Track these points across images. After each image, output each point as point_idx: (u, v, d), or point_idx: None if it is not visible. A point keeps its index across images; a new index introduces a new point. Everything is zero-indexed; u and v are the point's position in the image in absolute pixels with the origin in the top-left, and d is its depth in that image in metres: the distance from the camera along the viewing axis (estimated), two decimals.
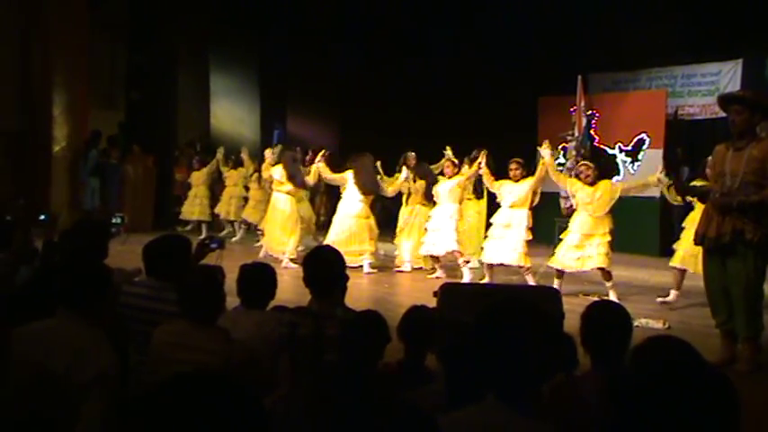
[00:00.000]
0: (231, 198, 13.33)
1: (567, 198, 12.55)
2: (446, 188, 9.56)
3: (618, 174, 12.71)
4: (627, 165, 12.66)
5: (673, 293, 8.09)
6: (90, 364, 2.67)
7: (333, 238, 9.79)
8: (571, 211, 8.76)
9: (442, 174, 9.97)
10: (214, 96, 16.55)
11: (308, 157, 12.74)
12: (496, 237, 8.80)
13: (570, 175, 9.28)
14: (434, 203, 9.81)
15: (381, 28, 14.85)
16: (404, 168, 10.32)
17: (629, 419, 1.65)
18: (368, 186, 9.97)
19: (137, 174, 13.87)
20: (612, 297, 7.98)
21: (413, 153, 10.53)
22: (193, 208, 13.61)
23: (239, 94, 16.98)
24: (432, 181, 10.02)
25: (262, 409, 1.39)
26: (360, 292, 7.96)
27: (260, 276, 3.88)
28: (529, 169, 9.01)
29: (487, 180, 9.05)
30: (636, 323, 6.56)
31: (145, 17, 14.62)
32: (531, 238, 8.73)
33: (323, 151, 10.52)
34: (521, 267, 8.72)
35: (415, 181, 10.19)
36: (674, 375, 1.67)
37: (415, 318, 3.43)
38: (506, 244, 8.66)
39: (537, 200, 8.84)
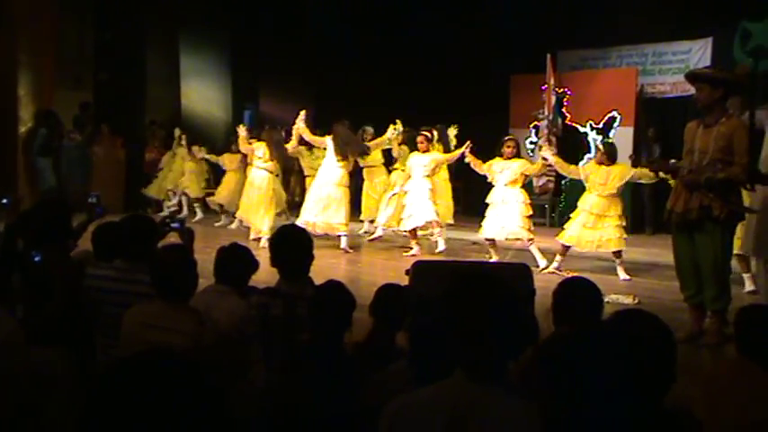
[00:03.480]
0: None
1: (539, 177, 12.65)
2: (421, 163, 9.57)
3: (588, 152, 12.78)
4: (598, 143, 12.72)
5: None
6: None
7: (310, 204, 9.85)
8: (544, 189, 8.93)
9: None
10: (184, 76, 16.34)
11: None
12: (495, 214, 8.88)
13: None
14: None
15: (354, 5, 14.74)
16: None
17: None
18: (347, 150, 10.01)
19: (105, 154, 13.73)
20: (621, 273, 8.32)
21: (370, 128, 10.81)
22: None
23: (210, 73, 16.80)
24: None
25: (218, 393, 1.38)
26: (332, 271, 7.95)
27: (237, 257, 3.86)
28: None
29: (476, 166, 9.11)
30: (606, 299, 6.64)
31: None
32: (531, 213, 8.95)
33: (304, 111, 10.46)
34: (525, 240, 8.79)
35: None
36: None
37: (386, 296, 3.43)
38: (507, 219, 8.76)
39: (525, 181, 9.13)
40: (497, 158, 8.97)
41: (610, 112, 12.64)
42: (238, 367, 3.35)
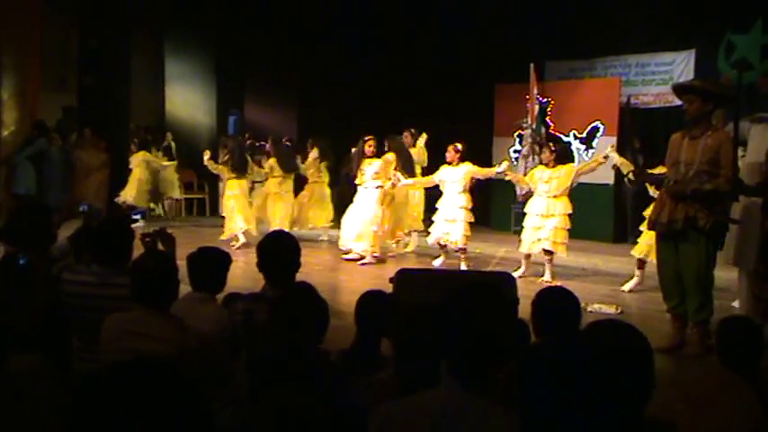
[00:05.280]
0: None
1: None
2: (454, 177, 9.08)
3: (572, 161, 12.82)
4: (581, 152, 12.79)
5: (634, 281, 8.04)
6: None
7: (348, 225, 9.66)
8: (527, 196, 8.85)
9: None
10: (169, 81, 16.29)
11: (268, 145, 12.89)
12: (534, 227, 8.42)
13: (527, 163, 9.40)
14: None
15: (339, 13, 14.75)
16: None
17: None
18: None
19: (89, 159, 13.63)
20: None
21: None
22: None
23: (195, 78, 16.74)
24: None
25: (204, 399, 1.37)
26: (314, 279, 7.91)
27: (211, 260, 3.83)
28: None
29: (519, 182, 8.97)
30: (589, 308, 6.67)
31: None
32: (570, 227, 8.40)
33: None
34: (549, 253, 8.36)
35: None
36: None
37: (369, 303, 3.41)
38: (546, 232, 8.32)
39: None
40: (540, 166, 8.63)
41: (593, 121, 12.71)
42: (220, 374, 3.33)
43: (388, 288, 4.56)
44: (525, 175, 9.48)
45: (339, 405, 2.69)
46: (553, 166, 8.43)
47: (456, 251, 9.08)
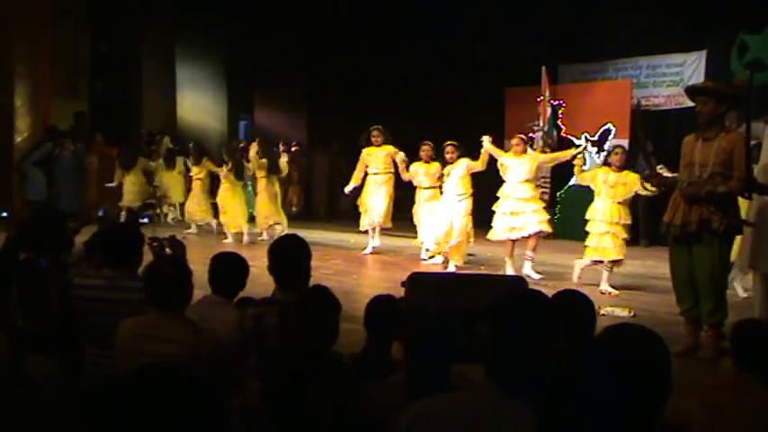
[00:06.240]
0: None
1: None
2: (518, 166, 8.91)
3: (584, 163, 12.78)
4: (593, 154, 12.75)
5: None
6: None
7: (437, 232, 9.17)
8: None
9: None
10: (180, 86, 16.36)
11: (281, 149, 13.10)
12: (600, 233, 8.03)
13: None
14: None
15: (349, 16, 14.78)
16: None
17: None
18: None
19: (100, 164, 13.70)
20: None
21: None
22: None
23: (206, 84, 16.83)
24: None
25: (217, 402, 1.37)
26: (324, 283, 7.91)
27: (231, 265, 3.88)
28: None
29: (578, 173, 8.72)
30: (602, 311, 6.64)
31: (109, 5, 14.40)
32: (627, 237, 8.11)
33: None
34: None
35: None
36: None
37: (379, 307, 3.41)
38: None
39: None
40: (604, 168, 8.18)
41: (605, 124, 12.68)
42: (235, 378, 3.33)
43: (399, 292, 4.55)
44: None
45: (351, 408, 2.69)
46: (620, 171, 7.95)
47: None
